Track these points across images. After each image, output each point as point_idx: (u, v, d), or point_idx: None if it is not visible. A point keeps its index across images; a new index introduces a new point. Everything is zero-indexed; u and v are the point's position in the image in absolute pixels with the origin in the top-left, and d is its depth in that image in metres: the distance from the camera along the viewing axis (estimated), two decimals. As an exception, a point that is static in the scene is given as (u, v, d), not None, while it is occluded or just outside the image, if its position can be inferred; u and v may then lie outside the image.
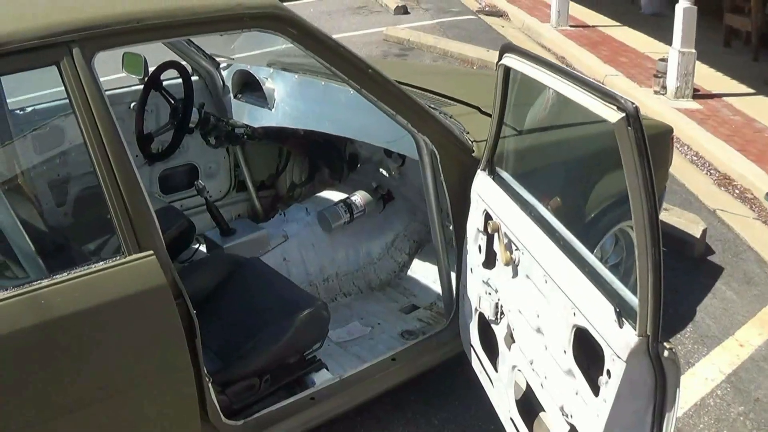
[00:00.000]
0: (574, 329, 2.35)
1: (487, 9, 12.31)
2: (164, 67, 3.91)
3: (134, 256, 2.31)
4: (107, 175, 2.28)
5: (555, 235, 2.52)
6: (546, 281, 2.49)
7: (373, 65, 2.87)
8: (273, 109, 4.10)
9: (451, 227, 3.27)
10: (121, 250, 2.31)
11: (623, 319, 2.14)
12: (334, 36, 2.80)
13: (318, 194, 4.35)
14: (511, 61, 2.68)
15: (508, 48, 2.73)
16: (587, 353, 2.35)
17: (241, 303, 3.23)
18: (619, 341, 2.15)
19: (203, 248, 4.00)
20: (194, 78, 4.47)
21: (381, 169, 4.26)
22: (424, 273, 4.09)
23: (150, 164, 4.41)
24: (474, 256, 3.06)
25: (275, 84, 4.12)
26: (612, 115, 2.01)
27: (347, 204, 4.02)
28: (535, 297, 2.57)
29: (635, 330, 2.10)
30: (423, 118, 3.04)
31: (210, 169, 4.73)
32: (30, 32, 2.21)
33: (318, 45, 2.72)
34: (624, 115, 1.98)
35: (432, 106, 3.36)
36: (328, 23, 11.20)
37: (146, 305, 2.33)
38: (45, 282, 2.20)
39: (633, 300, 2.14)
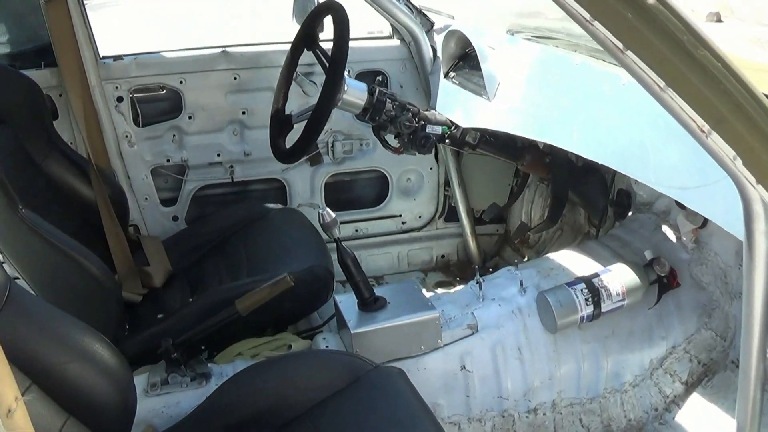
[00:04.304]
0: None
1: (809, 27, 9.91)
2: (319, 14, 2.39)
3: None
4: None
5: None
6: None
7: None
8: (492, 101, 2.42)
9: None
10: None
11: None
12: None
13: (549, 255, 2.56)
14: None
15: None
16: None
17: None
18: None
19: None
20: (394, 42, 2.93)
21: (665, 227, 2.40)
22: (709, 420, 2.20)
23: (312, 164, 2.98)
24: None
25: (503, 59, 2.44)
26: None
27: (592, 287, 2.19)
28: None
29: None
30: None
31: (407, 183, 3.18)
32: None
33: None
34: None
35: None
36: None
37: None
38: None
39: None
